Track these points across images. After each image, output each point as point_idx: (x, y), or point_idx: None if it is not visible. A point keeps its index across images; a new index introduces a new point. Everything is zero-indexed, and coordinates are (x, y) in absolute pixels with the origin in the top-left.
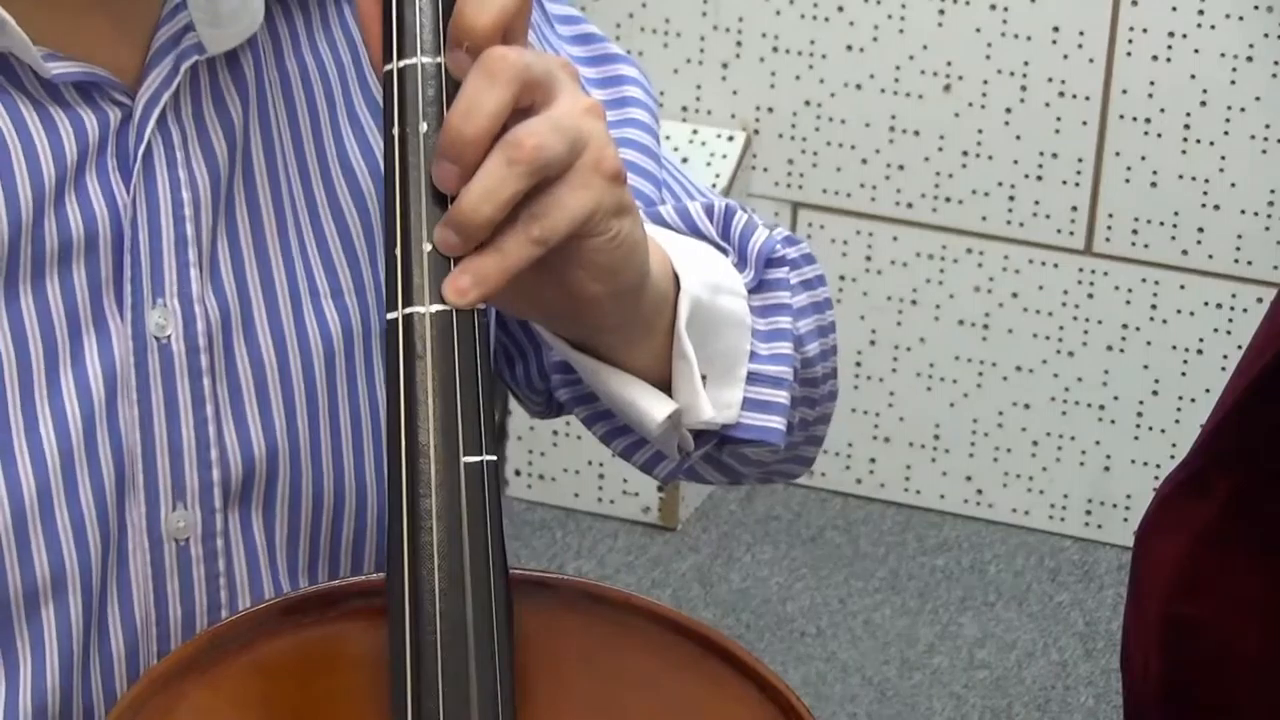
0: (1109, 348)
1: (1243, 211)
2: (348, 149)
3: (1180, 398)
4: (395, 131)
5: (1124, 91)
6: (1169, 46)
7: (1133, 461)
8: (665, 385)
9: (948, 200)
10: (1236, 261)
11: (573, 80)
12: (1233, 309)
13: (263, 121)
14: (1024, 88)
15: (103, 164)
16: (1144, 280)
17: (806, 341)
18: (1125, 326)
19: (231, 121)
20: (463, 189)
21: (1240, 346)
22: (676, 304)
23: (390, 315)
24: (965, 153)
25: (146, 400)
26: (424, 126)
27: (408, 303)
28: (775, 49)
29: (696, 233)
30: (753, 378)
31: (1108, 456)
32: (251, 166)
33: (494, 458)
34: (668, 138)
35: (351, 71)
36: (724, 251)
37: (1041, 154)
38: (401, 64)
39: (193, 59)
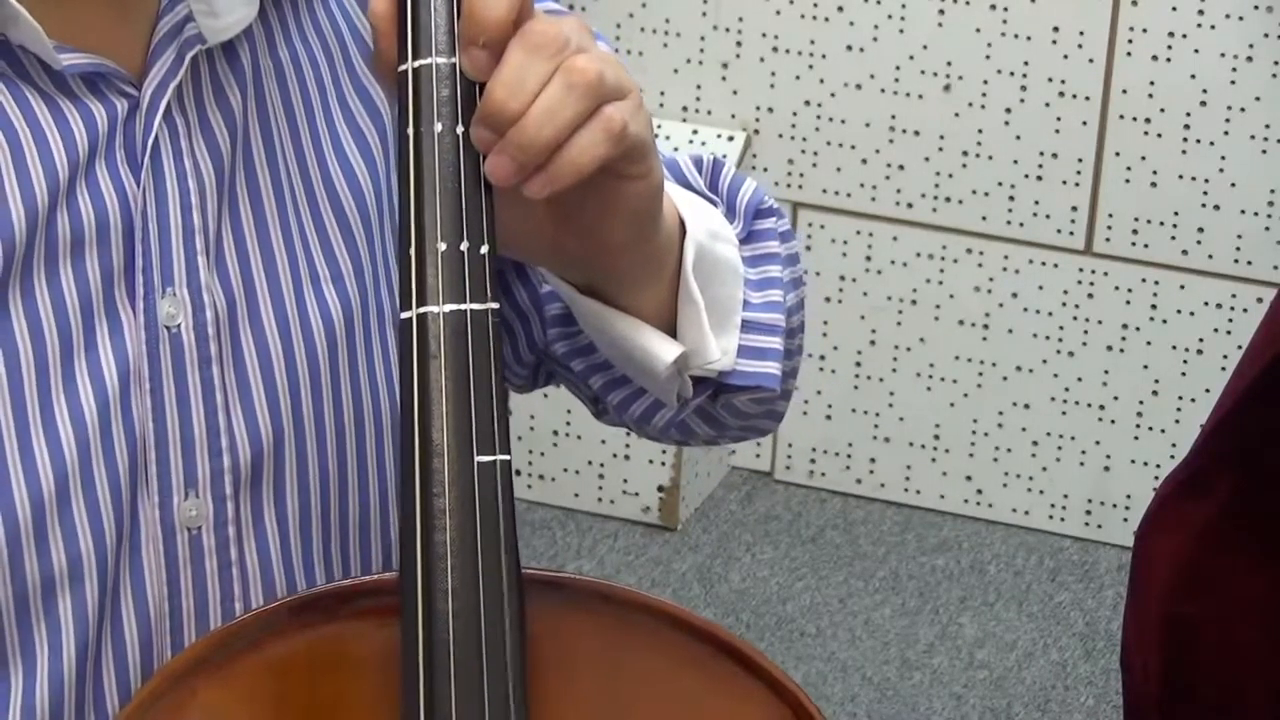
0: (1109, 348)
1: (1243, 211)
2: (340, 135)
3: (1180, 398)
4: (410, 131)
5: (1124, 91)
6: (1169, 46)
7: (1133, 461)
8: (668, 332)
9: (948, 200)
10: (1236, 261)
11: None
12: (1233, 309)
13: (260, 111)
14: (1024, 88)
15: (111, 155)
16: (1144, 280)
17: (786, 293)
18: (1125, 326)
19: (232, 111)
20: (520, 117)
21: (1240, 346)
22: (682, 248)
23: (404, 315)
24: (965, 153)
25: (159, 390)
26: (438, 127)
27: (421, 302)
28: (775, 49)
29: (685, 184)
30: (747, 325)
31: (1108, 456)
32: (251, 155)
33: (507, 457)
34: (667, 138)
35: (340, 60)
36: (712, 203)
37: (1041, 154)
38: (416, 64)
39: (195, 49)
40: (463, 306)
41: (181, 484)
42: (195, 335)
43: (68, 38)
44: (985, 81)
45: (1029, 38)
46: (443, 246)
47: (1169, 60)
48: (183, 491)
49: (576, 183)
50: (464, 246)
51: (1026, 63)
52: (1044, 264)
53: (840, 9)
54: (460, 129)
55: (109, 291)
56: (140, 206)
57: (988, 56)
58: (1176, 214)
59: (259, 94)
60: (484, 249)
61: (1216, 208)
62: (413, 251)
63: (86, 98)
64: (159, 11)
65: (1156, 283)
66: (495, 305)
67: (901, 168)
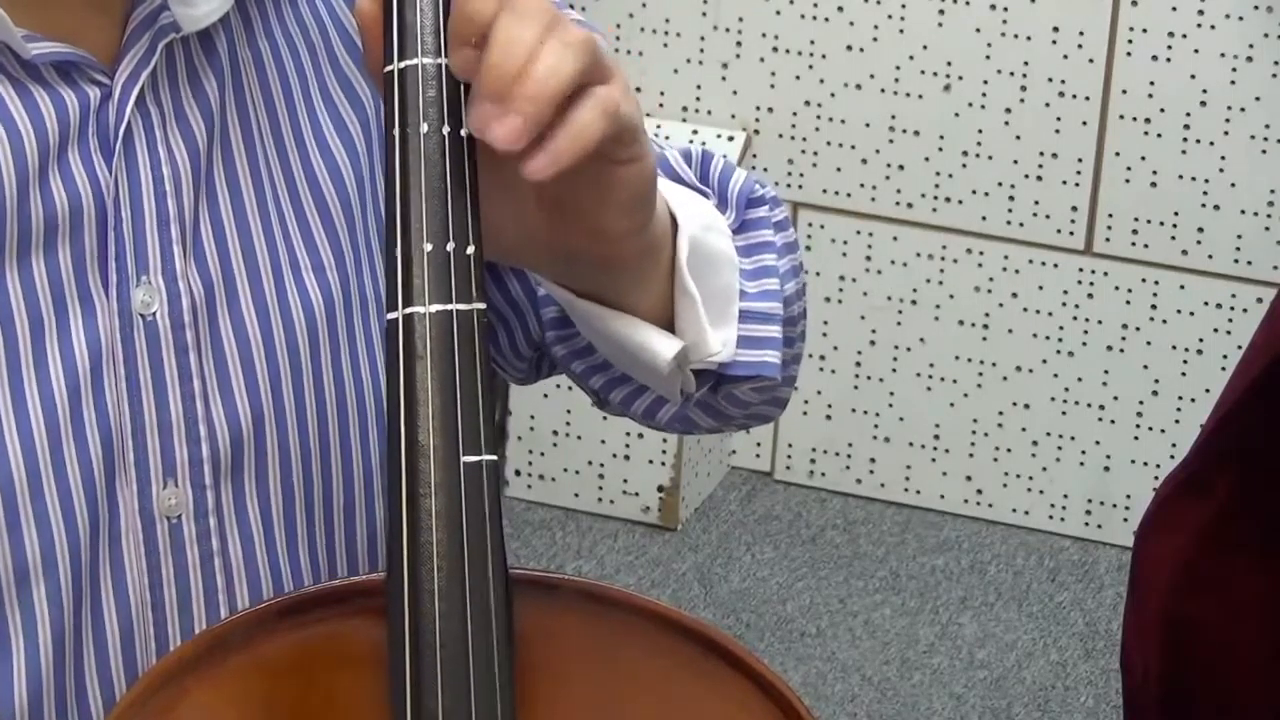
0: (1109, 348)
1: (1243, 211)
2: (322, 125)
3: (1180, 398)
4: (395, 132)
5: (1124, 91)
6: (1169, 46)
7: (1133, 461)
8: (666, 328)
9: (948, 200)
10: (1236, 261)
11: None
12: (1233, 309)
13: (238, 100)
14: (1024, 88)
15: (84, 143)
16: (1144, 280)
17: (784, 281)
18: (1125, 326)
19: (208, 100)
20: (523, 74)
21: (1240, 346)
22: (675, 242)
23: (390, 315)
24: (965, 153)
25: (133, 377)
26: (424, 127)
27: (408, 303)
28: (775, 49)
29: (675, 178)
30: (744, 315)
31: (1108, 456)
32: (229, 144)
33: (494, 457)
34: (667, 138)
35: (321, 50)
36: (704, 195)
37: (1041, 154)
38: (402, 65)
39: (169, 37)
40: (449, 307)
41: (160, 472)
42: (170, 323)
43: (41, 27)
44: (985, 81)
45: (1029, 38)
46: (429, 247)
47: (1169, 60)
48: (161, 480)
49: (578, 161)
50: (450, 247)
51: (1026, 63)
52: (1044, 264)
53: (840, 9)
54: (447, 129)
55: (82, 278)
56: (113, 194)
57: (988, 56)
58: (1176, 214)
59: (237, 84)
60: (470, 249)
61: (1216, 208)
62: (399, 252)
63: (58, 85)
64: (133, 0)
65: (1156, 283)
66: (482, 305)
67: (901, 168)
